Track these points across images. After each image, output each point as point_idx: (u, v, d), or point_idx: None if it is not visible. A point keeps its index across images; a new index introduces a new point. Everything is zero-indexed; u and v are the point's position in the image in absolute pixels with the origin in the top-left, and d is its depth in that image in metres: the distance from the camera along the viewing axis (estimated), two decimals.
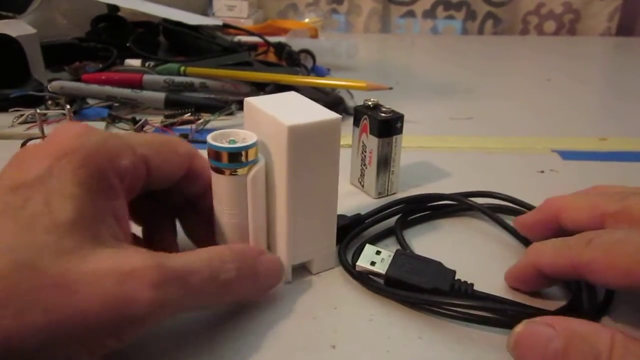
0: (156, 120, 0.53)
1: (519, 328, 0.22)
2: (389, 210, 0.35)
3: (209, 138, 0.26)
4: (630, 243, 0.22)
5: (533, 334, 0.22)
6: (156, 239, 0.29)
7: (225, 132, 0.27)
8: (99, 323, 0.19)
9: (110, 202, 0.22)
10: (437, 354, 0.25)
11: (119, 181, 0.23)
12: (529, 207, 0.35)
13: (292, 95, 0.30)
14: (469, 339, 0.26)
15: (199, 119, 0.53)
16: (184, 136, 0.49)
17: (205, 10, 0.96)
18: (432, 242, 0.34)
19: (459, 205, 0.37)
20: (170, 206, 0.30)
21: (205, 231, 0.29)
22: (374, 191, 0.39)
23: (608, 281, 0.23)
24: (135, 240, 0.28)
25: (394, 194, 0.40)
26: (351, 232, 0.33)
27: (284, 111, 0.26)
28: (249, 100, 0.28)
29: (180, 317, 0.26)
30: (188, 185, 0.28)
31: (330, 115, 0.27)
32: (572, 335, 0.21)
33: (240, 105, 0.57)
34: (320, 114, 0.27)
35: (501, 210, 0.36)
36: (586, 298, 0.27)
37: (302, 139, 0.26)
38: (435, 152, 0.48)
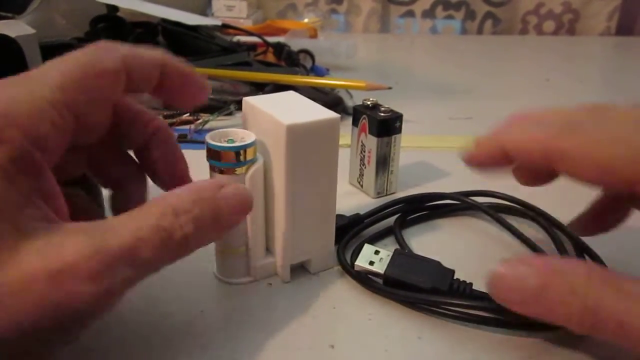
0: None
1: (497, 268, 0.22)
2: (388, 210, 0.35)
3: (208, 137, 0.26)
4: (614, 132, 0.20)
5: (511, 273, 0.22)
6: (122, 198, 0.26)
7: (223, 132, 0.27)
8: (39, 330, 0.17)
9: (34, 181, 0.18)
10: (436, 354, 0.25)
11: (40, 153, 0.19)
12: (529, 207, 0.35)
13: (291, 94, 0.30)
14: (468, 338, 0.26)
15: (198, 119, 0.53)
16: (183, 136, 0.49)
17: (204, 10, 0.96)
18: (431, 241, 0.34)
19: (458, 205, 0.37)
20: (126, 152, 0.26)
21: (166, 166, 0.26)
22: (373, 191, 0.39)
23: (582, 174, 0.21)
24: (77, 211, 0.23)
25: (393, 193, 0.40)
26: (350, 231, 0.33)
27: (282, 110, 0.26)
28: (248, 100, 0.28)
29: (176, 314, 0.26)
30: (136, 90, 0.24)
31: (329, 114, 0.27)
32: (549, 271, 0.21)
33: (239, 105, 0.57)
34: (319, 113, 0.27)
35: (501, 210, 0.36)
36: None
37: (300, 138, 0.26)
38: (434, 152, 0.48)
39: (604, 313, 0.20)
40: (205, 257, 0.30)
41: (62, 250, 0.17)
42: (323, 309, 0.27)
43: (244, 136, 0.26)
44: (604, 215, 0.29)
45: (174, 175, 0.26)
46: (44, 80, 0.20)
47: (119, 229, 0.19)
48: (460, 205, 0.37)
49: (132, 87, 0.23)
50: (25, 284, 0.17)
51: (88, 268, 0.17)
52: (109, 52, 0.22)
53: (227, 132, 0.27)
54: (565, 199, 0.40)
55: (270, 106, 0.27)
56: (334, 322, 0.26)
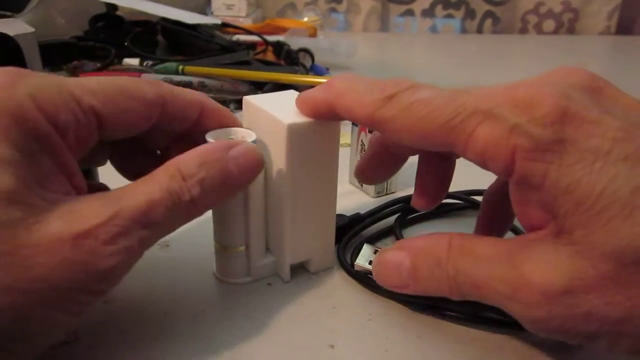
0: None
1: (375, 259, 0.24)
2: (388, 209, 0.35)
3: (208, 136, 0.26)
4: (430, 104, 0.21)
5: (386, 261, 0.24)
6: None
7: (224, 130, 0.26)
8: (65, 289, 0.18)
9: (55, 159, 0.20)
10: (436, 354, 0.25)
11: (61, 136, 0.20)
12: None
13: (291, 94, 0.29)
14: (468, 339, 0.25)
15: None
16: None
17: (204, 9, 0.96)
18: None
19: (459, 204, 0.37)
20: (151, 150, 0.28)
21: None
22: (372, 190, 0.39)
23: (404, 140, 0.22)
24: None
25: (393, 192, 0.40)
26: (350, 231, 0.33)
27: (283, 110, 0.26)
28: (248, 99, 0.28)
29: (176, 314, 0.26)
30: (167, 127, 0.25)
31: None
32: (416, 251, 0.23)
33: (239, 105, 0.57)
34: None
35: None
36: None
37: (301, 137, 0.26)
38: None
39: (462, 279, 0.21)
40: (205, 257, 0.30)
41: (83, 215, 0.19)
42: (323, 308, 0.27)
43: (244, 135, 0.26)
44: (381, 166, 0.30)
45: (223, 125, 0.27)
46: (78, 82, 0.22)
47: (133, 194, 0.20)
48: (461, 204, 0.37)
49: (169, 121, 0.25)
50: (52, 244, 0.18)
51: (107, 231, 0.19)
52: (151, 85, 0.24)
53: (227, 130, 0.27)
54: None
55: (271, 105, 0.27)
56: (334, 322, 0.26)
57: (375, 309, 0.27)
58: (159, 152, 0.28)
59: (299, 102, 0.26)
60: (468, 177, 0.43)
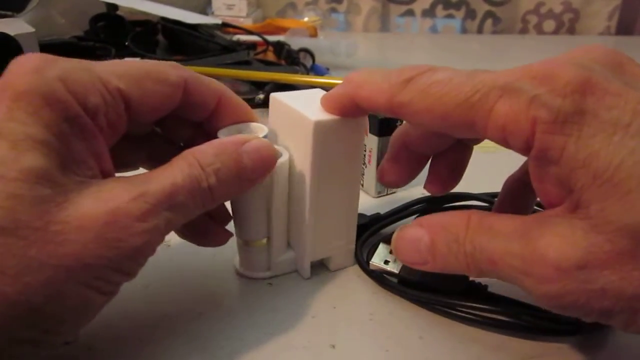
0: None
1: (396, 234, 0.24)
2: (409, 209, 0.35)
3: (220, 133, 0.26)
4: (448, 84, 0.21)
5: (406, 237, 0.24)
6: None
7: (236, 127, 0.27)
8: (97, 266, 0.19)
9: (86, 142, 0.20)
10: (437, 354, 0.25)
11: (91, 119, 0.20)
12: None
13: (317, 92, 0.30)
14: (470, 339, 0.25)
15: None
16: None
17: (204, 9, 0.96)
18: None
19: (482, 207, 0.36)
20: (175, 139, 0.28)
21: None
22: (373, 190, 0.39)
23: (425, 123, 0.23)
24: None
25: (394, 192, 0.40)
26: (369, 230, 0.33)
27: (309, 106, 0.26)
28: (275, 95, 0.28)
29: (176, 315, 0.26)
30: (189, 113, 0.26)
31: None
32: (435, 228, 0.23)
33: None
34: None
35: None
36: None
37: (327, 134, 0.26)
38: None
39: (479, 255, 0.21)
40: (205, 257, 0.30)
41: (114, 194, 0.20)
42: (324, 308, 0.27)
43: (257, 130, 0.26)
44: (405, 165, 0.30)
45: (240, 118, 0.27)
46: (105, 65, 0.22)
47: (158, 178, 0.21)
48: (480, 206, 0.36)
49: (189, 107, 0.25)
50: (84, 221, 0.18)
51: (138, 208, 0.19)
52: (174, 68, 0.24)
53: (240, 127, 0.27)
54: None
55: (297, 102, 0.27)
56: (335, 322, 0.26)
57: (376, 309, 0.27)
58: (182, 144, 0.29)
59: (323, 101, 0.26)
60: (492, 178, 0.43)
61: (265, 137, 0.26)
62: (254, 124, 0.27)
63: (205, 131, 0.27)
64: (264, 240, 0.28)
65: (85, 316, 0.20)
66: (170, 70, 0.24)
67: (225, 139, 0.24)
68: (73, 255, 0.18)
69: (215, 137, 0.25)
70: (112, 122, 0.22)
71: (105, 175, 0.21)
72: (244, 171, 0.23)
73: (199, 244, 0.28)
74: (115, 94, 0.21)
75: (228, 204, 0.28)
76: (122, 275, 0.20)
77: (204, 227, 0.27)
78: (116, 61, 0.23)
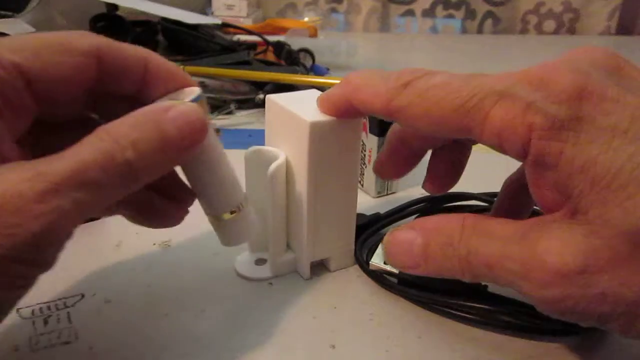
0: None
1: (387, 237, 0.24)
2: (409, 209, 0.35)
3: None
4: (445, 88, 0.21)
5: (398, 239, 0.24)
6: None
7: (169, 96, 0.24)
8: None
9: None
10: (436, 354, 0.25)
11: None
12: None
13: (313, 93, 0.30)
14: (469, 339, 0.25)
15: None
16: None
17: (204, 9, 0.96)
18: None
19: (481, 206, 0.36)
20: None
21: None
22: (373, 190, 0.39)
23: (421, 127, 0.22)
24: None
25: (394, 193, 0.40)
26: (368, 230, 0.33)
27: (305, 108, 0.27)
28: (271, 97, 0.28)
29: (176, 315, 0.26)
30: (115, 86, 0.23)
31: None
32: (429, 231, 0.23)
33: (239, 104, 0.57)
34: None
35: None
36: None
37: (323, 135, 0.26)
38: None
39: (474, 258, 0.21)
40: (205, 257, 0.30)
41: (4, 177, 0.17)
42: (324, 309, 0.27)
43: (187, 95, 0.24)
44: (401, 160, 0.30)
45: (176, 83, 0.24)
46: (3, 40, 0.20)
47: (60, 157, 0.18)
48: (483, 206, 0.36)
49: (111, 78, 0.23)
50: None
51: (33, 189, 0.17)
52: (82, 36, 0.22)
53: (172, 95, 0.24)
54: None
55: (294, 104, 0.27)
56: (335, 322, 0.26)
57: (376, 309, 0.27)
58: None
59: (320, 102, 0.26)
60: (492, 178, 0.43)
61: (196, 99, 0.23)
62: (187, 89, 0.24)
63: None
64: (228, 215, 0.26)
65: None
66: (77, 38, 0.21)
67: (144, 108, 0.21)
68: None
69: None
70: (12, 101, 0.20)
71: (6, 159, 0.19)
72: (169, 140, 0.20)
73: (150, 226, 0.26)
74: (9, 69, 0.19)
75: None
76: (28, 267, 0.18)
77: (154, 207, 0.25)
78: (12, 36, 0.21)
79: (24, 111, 0.20)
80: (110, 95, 0.24)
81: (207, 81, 0.58)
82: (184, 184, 0.25)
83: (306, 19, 0.96)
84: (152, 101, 0.23)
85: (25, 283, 0.18)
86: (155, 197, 0.25)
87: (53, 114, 0.23)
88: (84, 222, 0.20)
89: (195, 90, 0.23)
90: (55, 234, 0.18)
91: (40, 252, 0.18)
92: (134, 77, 0.23)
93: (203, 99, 0.23)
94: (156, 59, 0.24)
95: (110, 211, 0.25)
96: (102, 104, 0.24)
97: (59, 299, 0.27)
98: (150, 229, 0.26)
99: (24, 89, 0.20)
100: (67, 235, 0.19)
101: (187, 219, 0.26)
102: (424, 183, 0.31)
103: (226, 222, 0.26)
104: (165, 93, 0.24)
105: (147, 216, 0.25)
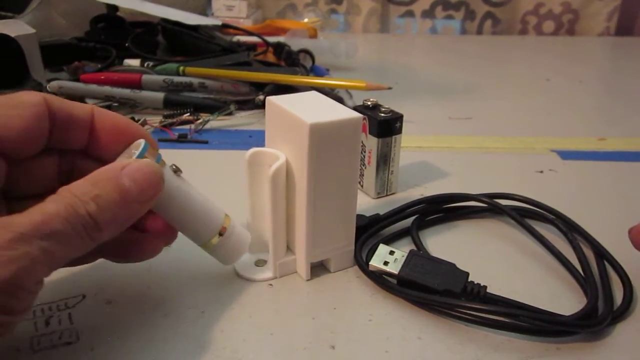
0: (155, 120, 0.53)
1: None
2: (408, 210, 0.35)
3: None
4: None
5: None
6: None
7: (126, 151, 0.25)
8: None
9: None
10: (436, 354, 0.25)
11: None
12: (549, 210, 0.35)
13: (313, 94, 0.30)
14: (468, 339, 0.26)
15: (198, 119, 0.53)
16: (183, 136, 0.49)
17: (204, 10, 0.96)
18: (448, 243, 0.34)
19: (479, 207, 0.36)
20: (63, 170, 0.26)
21: (113, 135, 0.26)
22: (373, 191, 0.39)
23: None
24: None
25: (393, 194, 0.40)
26: (368, 231, 0.33)
27: (305, 109, 0.27)
28: (271, 99, 0.29)
29: (177, 315, 0.26)
30: (64, 137, 0.25)
31: (352, 114, 0.27)
32: None
33: (239, 105, 0.57)
34: (342, 112, 0.27)
35: (520, 212, 0.35)
36: (602, 304, 0.27)
37: (323, 137, 0.26)
38: (434, 152, 0.48)
39: None
40: (205, 258, 0.30)
41: None
42: (323, 309, 0.27)
43: (134, 148, 0.25)
44: None
45: (125, 135, 0.26)
46: None
47: (27, 212, 0.19)
48: (480, 207, 0.36)
49: (58, 129, 0.24)
50: None
51: (2, 234, 0.18)
52: (29, 93, 0.23)
53: (128, 150, 0.25)
54: (585, 203, 0.40)
55: (293, 105, 0.27)
56: (335, 323, 0.26)
57: (375, 310, 0.27)
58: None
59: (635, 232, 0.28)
60: (491, 179, 0.43)
61: (142, 153, 0.24)
62: (136, 142, 0.25)
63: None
64: (215, 238, 0.27)
65: None
66: (25, 94, 0.23)
67: (102, 168, 0.22)
68: None
69: None
70: None
71: None
72: (128, 194, 0.22)
73: (135, 261, 0.26)
74: None
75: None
76: (3, 314, 0.18)
77: (135, 243, 0.26)
78: None
79: None
80: (73, 157, 0.25)
81: (207, 82, 0.58)
82: (164, 222, 0.26)
83: (306, 20, 0.96)
84: (109, 157, 0.25)
85: (3, 331, 0.19)
86: (134, 233, 0.26)
87: (24, 177, 0.24)
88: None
89: (141, 144, 0.25)
90: (25, 279, 0.18)
91: (11, 297, 0.18)
92: (81, 126, 0.25)
93: (147, 149, 0.24)
94: (102, 112, 0.25)
95: (92, 257, 0.26)
96: (69, 167, 0.25)
97: (60, 300, 0.27)
98: None
99: None
100: (37, 283, 0.19)
101: None
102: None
103: (216, 246, 0.27)
104: (115, 146, 0.25)
105: (127, 254, 0.26)
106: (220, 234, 0.27)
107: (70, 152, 0.26)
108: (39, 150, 0.24)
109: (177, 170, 0.26)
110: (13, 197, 0.24)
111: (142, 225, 0.26)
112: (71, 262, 0.23)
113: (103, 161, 0.25)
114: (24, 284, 0.19)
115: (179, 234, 0.27)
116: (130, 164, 0.23)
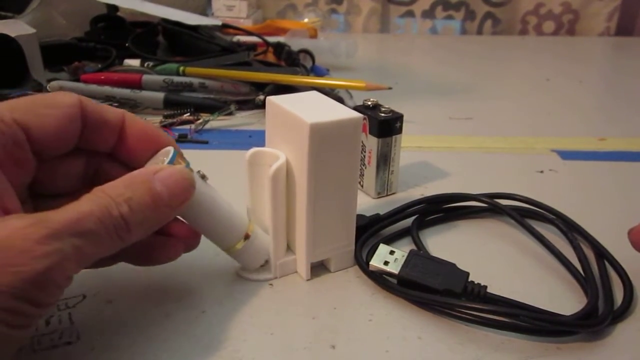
0: (155, 120, 0.53)
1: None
2: (408, 210, 0.35)
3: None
4: None
5: None
6: None
7: (154, 158, 0.26)
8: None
9: None
10: (436, 354, 0.25)
11: None
12: (549, 210, 0.35)
13: (313, 94, 0.30)
14: (468, 339, 0.26)
15: (198, 119, 0.53)
16: (183, 136, 0.49)
17: (204, 10, 0.96)
18: (449, 243, 0.34)
19: (479, 207, 0.36)
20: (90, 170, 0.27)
21: (142, 142, 0.27)
22: (373, 191, 0.39)
23: None
24: None
25: (394, 193, 0.40)
26: (368, 231, 0.33)
27: (306, 109, 0.27)
28: (271, 99, 0.29)
29: (177, 315, 0.26)
30: (93, 139, 0.25)
31: (352, 114, 0.27)
32: None
33: (240, 105, 0.57)
34: (342, 112, 0.27)
35: (520, 212, 0.35)
36: (603, 304, 0.27)
37: (323, 136, 0.26)
38: (434, 152, 0.48)
39: None
40: (205, 258, 0.30)
41: (10, 223, 0.19)
42: (324, 309, 0.27)
43: (164, 155, 0.26)
44: None
45: (152, 142, 0.27)
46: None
47: (62, 209, 0.20)
48: (480, 207, 0.36)
49: (90, 130, 0.25)
50: None
51: (36, 232, 0.19)
52: (64, 94, 0.24)
53: (157, 158, 0.26)
54: (585, 203, 0.40)
55: (294, 105, 0.27)
56: (335, 323, 0.26)
57: (375, 310, 0.27)
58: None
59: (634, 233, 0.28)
60: (491, 179, 0.43)
61: (172, 159, 0.25)
62: (164, 150, 0.26)
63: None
64: (240, 243, 0.28)
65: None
66: (61, 94, 0.24)
67: (135, 171, 0.23)
68: None
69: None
70: (14, 154, 0.22)
71: (8, 212, 0.21)
72: (159, 199, 0.23)
73: (154, 264, 0.27)
74: (10, 124, 0.22)
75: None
76: (31, 306, 0.19)
77: (156, 247, 0.27)
78: (8, 100, 0.23)
79: (25, 165, 0.23)
80: (100, 159, 0.26)
81: (207, 82, 0.58)
82: (189, 227, 0.27)
83: (306, 20, 0.96)
84: (135, 162, 0.26)
85: (25, 322, 0.19)
86: (158, 237, 0.26)
87: (52, 175, 0.25)
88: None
89: (170, 151, 0.25)
90: (56, 274, 0.19)
91: (41, 291, 0.19)
92: (111, 130, 0.26)
93: (177, 155, 0.25)
94: (132, 117, 0.26)
95: (112, 261, 0.26)
96: (94, 168, 0.26)
97: (61, 300, 0.27)
98: None
99: (25, 143, 0.22)
100: (67, 279, 0.20)
101: None
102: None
103: (240, 251, 0.28)
104: (141, 152, 0.26)
105: (149, 258, 0.27)
106: (245, 239, 0.28)
107: (97, 154, 0.26)
108: (68, 150, 0.25)
109: (203, 177, 0.26)
110: (37, 194, 0.25)
111: (167, 230, 0.27)
112: (93, 264, 0.23)
113: (128, 165, 0.26)
114: (54, 279, 0.19)
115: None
116: (163, 169, 0.23)
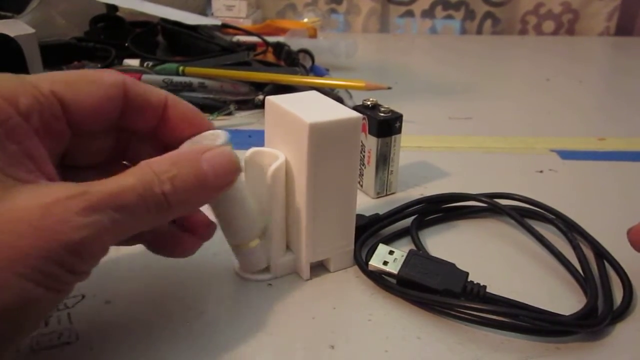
0: None
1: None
2: (408, 210, 0.35)
3: (182, 146, 0.25)
4: None
5: None
6: None
7: (197, 138, 0.26)
8: (36, 257, 0.18)
9: (20, 144, 0.20)
10: (436, 354, 0.25)
11: (24, 121, 0.21)
12: (549, 210, 0.35)
13: (313, 94, 0.30)
14: (468, 339, 0.26)
15: None
16: None
17: (204, 10, 0.96)
18: (448, 243, 0.34)
19: (479, 207, 0.36)
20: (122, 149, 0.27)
21: (184, 125, 0.27)
22: (372, 191, 0.39)
23: None
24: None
25: (393, 193, 0.40)
26: (368, 231, 0.33)
27: (305, 109, 0.27)
28: (271, 99, 0.29)
29: (176, 315, 0.26)
30: (134, 120, 0.25)
31: (352, 114, 0.27)
32: None
33: (239, 105, 0.57)
34: (342, 112, 0.27)
35: (520, 212, 0.35)
36: (602, 304, 0.27)
37: (322, 136, 0.26)
38: (434, 152, 0.48)
39: None
40: (205, 258, 0.30)
41: (52, 191, 0.19)
42: (323, 309, 0.27)
43: (215, 137, 0.25)
44: None
45: (194, 125, 0.26)
46: (36, 75, 0.22)
47: (104, 182, 0.20)
48: (480, 207, 0.36)
49: (132, 110, 0.25)
50: (20, 213, 0.18)
51: (77, 203, 0.19)
52: (110, 72, 0.24)
53: (198, 138, 0.26)
54: (585, 203, 0.40)
55: (293, 105, 0.27)
56: (334, 323, 0.26)
57: (375, 310, 0.27)
58: None
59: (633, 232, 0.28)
60: (491, 179, 0.43)
61: (226, 142, 0.25)
62: (213, 132, 0.26)
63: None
64: (255, 241, 0.28)
65: (34, 315, 0.19)
66: (106, 73, 0.24)
67: (184, 148, 0.23)
68: (8, 244, 0.18)
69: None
70: (49, 123, 0.22)
71: (47, 177, 0.21)
72: (204, 179, 0.22)
73: (166, 255, 0.27)
74: (48, 96, 0.22)
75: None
76: (67, 272, 0.19)
77: (172, 238, 0.27)
78: (52, 72, 0.23)
79: (60, 136, 0.23)
80: (132, 135, 0.26)
81: (206, 82, 0.58)
82: (204, 217, 0.27)
83: (306, 20, 0.96)
84: (172, 142, 0.25)
85: (60, 287, 0.20)
86: (175, 228, 0.27)
87: (83, 149, 0.25)
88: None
89: (222, 134, 0.25)
90: (93, 245, 0.19)
91: (78, 259, 0.19)
92: (154, 112, 0.25)
93: (230, 142, 0.25)
94: (176, 100, 0.26)
95: (133, 241, 0.26)
96: (125, 144, 0.26)
97: None
98: None
99: (61, 115, 0.22)
100: (103, 250, 0.20)
101: None
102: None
103: (252, 249, 0.28)
104: (180, 134, 0.26)
105: (165, 247, 0.27)
106: (260, 238, 0.28)
107: (131, 132, 0.26)
108: (104, 128, 0.25)
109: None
110: (66, 164, 0.25)
111: (185, 222, 0.27)
112: (120, 242, 0.23)
113: (162, 146, 0.26)
114: (90, 249, 0.19)
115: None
116: (211, 149, 0.23)
